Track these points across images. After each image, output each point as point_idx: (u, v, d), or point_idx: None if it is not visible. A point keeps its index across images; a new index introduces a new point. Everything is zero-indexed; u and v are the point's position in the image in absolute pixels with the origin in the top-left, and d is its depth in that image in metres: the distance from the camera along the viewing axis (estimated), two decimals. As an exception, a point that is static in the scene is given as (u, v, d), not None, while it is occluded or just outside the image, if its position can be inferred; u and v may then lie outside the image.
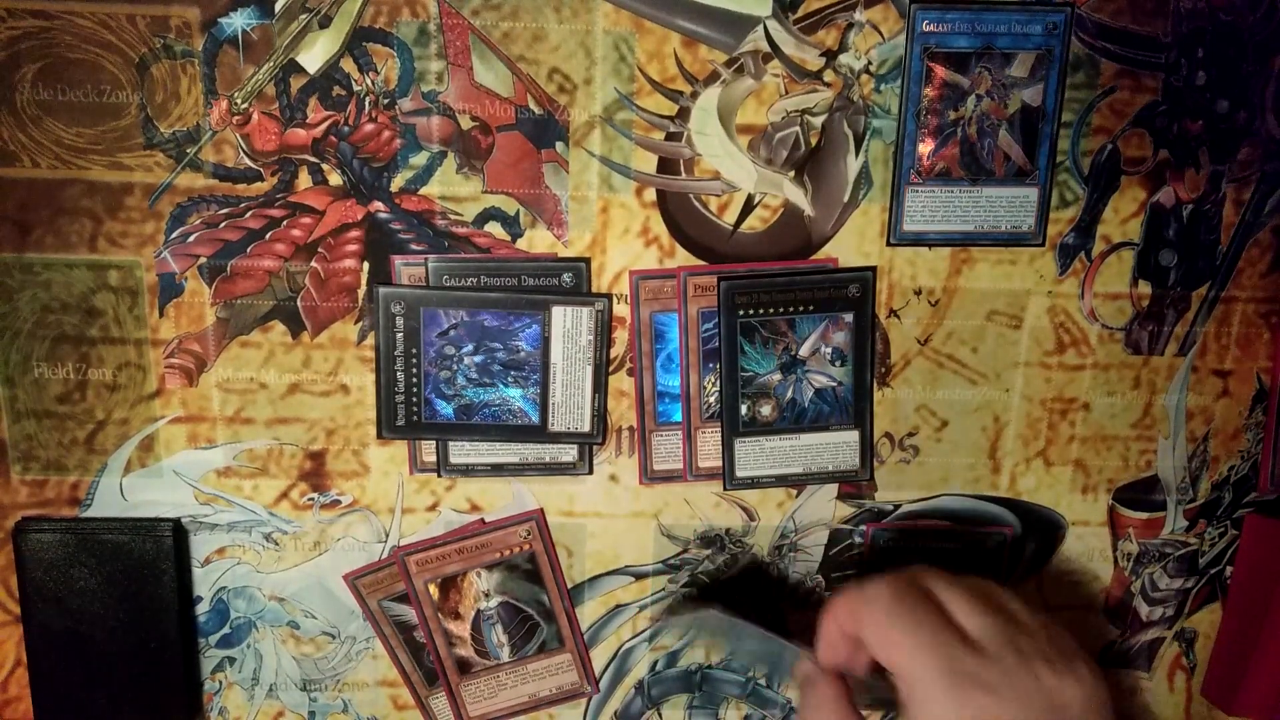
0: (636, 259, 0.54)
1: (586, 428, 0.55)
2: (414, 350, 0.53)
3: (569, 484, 0.57)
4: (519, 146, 0.52)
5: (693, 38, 0.51)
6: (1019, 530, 0.60)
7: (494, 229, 0.53)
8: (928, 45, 0.51)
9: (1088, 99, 0.53)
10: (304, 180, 0.52)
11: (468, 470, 0.56)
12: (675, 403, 0.56)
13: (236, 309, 0.53)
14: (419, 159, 0.52)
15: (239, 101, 0.50)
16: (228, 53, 0.50)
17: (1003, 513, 0.60)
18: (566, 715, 0.62)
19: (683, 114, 0.52)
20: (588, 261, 0.54)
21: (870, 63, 0.52)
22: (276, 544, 0.57)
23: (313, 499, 0.56)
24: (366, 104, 0.51)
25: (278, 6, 0.49)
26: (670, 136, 0.52)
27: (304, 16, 0.49)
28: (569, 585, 0.59)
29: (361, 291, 0.53)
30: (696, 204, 0.54)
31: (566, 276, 0.54)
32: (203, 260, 0.52)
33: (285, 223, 0.52)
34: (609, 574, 0.59)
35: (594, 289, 0.54)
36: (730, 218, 0.54)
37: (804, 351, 0.55)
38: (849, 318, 0.55)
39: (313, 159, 0.51)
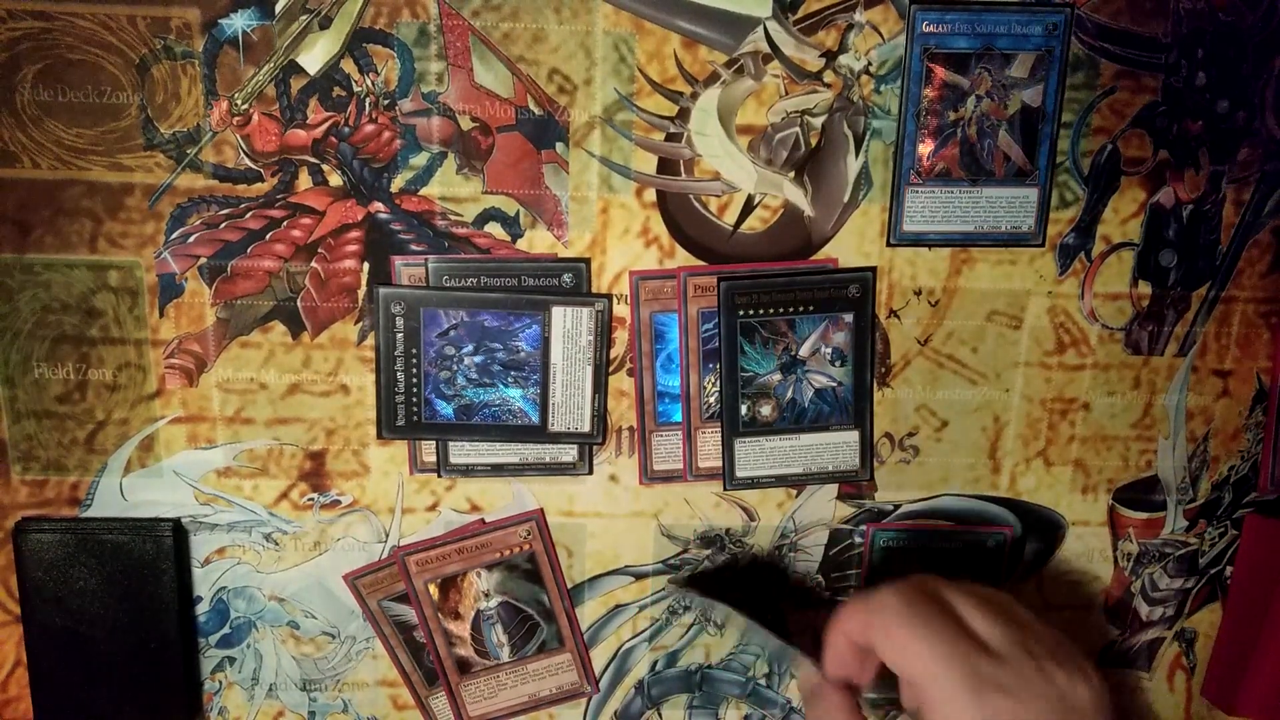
0: (636, 259, 0.54)
1: (586, 428, 0.55)
2: (414, 350, 0.53)
3: (569, 484, 0.57)
4: (519, 147, 0.52)
5: (693, 38, 0.51)
6: (1019, 530, 0.60)
7: (494, 229, 0.53)
8: (927, 46, 0.51)
9: (1088, 99, 0.53)
10: (304, 181, 0.52)
11: (468, 470, 0.56)
12: (675, 403, 0.56)
13: (236, 309, 0.53)
14: (419, 159, 0.52)
15: (239, 102, 0.50)
16: (228, 54, 0.50)
17: (1003, 513, 0.60)
18: (566, 715, 0.62)
19: (683, 114, 0.52)
20: (588, 262, 0.54)
21: (870, 63, 0.52)
22: (276, 544, 0.57)
23: (313, 499, 0.57)
24: (367, 105, 0.51)
25: (278, 7, 0.49)
26: (670, 137, 0.52)
27: (304, 17, 0.49)
28: (569, 585, 0.59)
29: (361, 292, 0.53)
30: (696, 204, 0.54)
31: (566, 277, 0.54)
32: (203, 261, 0.52)
33: (285, 223, 0.52)
34: (609, 574, 0.59)
35: (594, 289, 0.54)
36: (730, 218, 0.54)
37: (804, 351, 0.55)
38: (849, 318, 0.55)
39: (313, 160, 0.51)
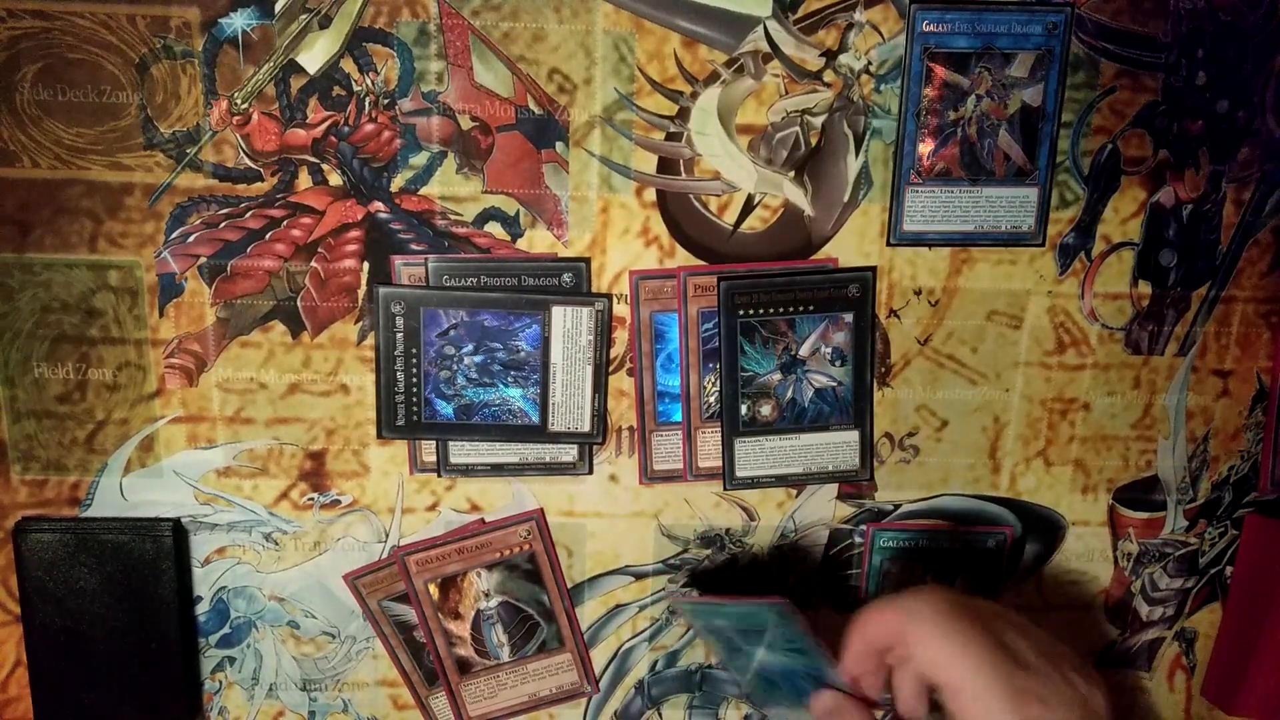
0: (636, 259, 0.54)
1: (586, 428, 0.55)
2: (414, 350, 0.53)
3: (569, 484, 0.57)
4: (519, 146, 0.52)
5: (693, 38, 0.51)
6: (1019, 530, 0.60)
7: (494, 229, 0.53)
8: (928, 45, 0.51)
9: (1088, 99, 0.53)
10: (304, 180, 0.52)
11: (468, 470, 0.56)
12: (675, 403, 0.56)
13: (236, 309, 0.53)
14: (419, 159, 0.52)
15: (239, 102, 0.50)
16: (228, 53, 0.50)
17: (1003, 513, 0.60)
18: (566, 715, 0.62)
19: (683, 114, 0.52)
20: (588, 261, 0.54)
21: (870, 63, 0.52)
22: (276, 544, 0.57)
23: (313, 499, 0.56)
24: (366, 104, 0.51)
25: (278, 7, 0.49)
26: (670, 136, 0.52)
27: (304, 17, 0.49)
28: (569, 585, 0.59)
29: (361, 291, 0.53)
30: (696, 204, 0.54)
31: (566, 276, 0.54)
32: (203, 260, 0.52)
33: (285, 223, 0.52)
34: (609, 574, 0.59)
35: (594, 289, 0.54)
36: (730, 218, 0.54)
37: (804, 351, 0.55)
38: (849, 318, 0.55)
39: (313, 159, 0.51)
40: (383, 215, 0.52)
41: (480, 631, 0.59)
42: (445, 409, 0.54)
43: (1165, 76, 0.53)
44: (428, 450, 0.56)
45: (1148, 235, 0.56)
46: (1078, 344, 0.57)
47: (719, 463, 0.57)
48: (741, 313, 0.54)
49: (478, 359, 0.54)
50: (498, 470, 0.56)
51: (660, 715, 0.62)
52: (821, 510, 0.59)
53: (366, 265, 0.53)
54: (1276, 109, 0.54)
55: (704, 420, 0.57)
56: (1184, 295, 0.57)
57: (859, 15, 0.51)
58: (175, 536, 0.55)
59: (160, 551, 0.55)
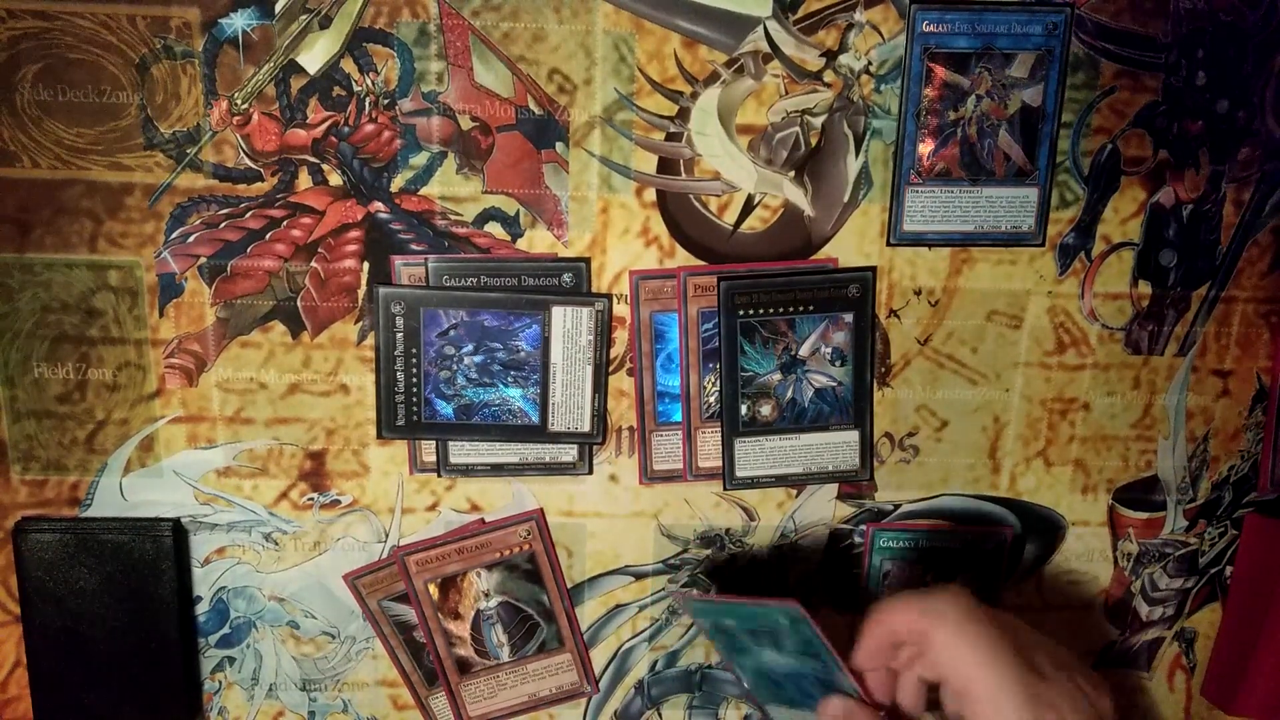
0: (636, 259, 0.54)
1: (586, 428, 0.55)
2: (414, 350, 0.53)
3: (569, 484, 0.57)
4: (519, 147, 0.52)
5: (693, 38, 0.51)
6: (1019, 530, 0.60)
7: (494, 229, 0.53)
8: (928, 45, 0.51)
9: (1088, 99, 0.53)
10: (304, 180, 0.52)
11: (468, 470, 0.56)
12: (675, 403, 0.56)
13: (236, 309, 0.53)
14: (419, 159, 0.52)
15: (239, 102, 0.50)
16: (228, 53, 0.50)
17: (1003, 513, 0.60)
18: (566, 715, 0.62)
19: (683, 114, 0.52)
20: (588, 261, 0.54)
21: (870, 63, 0.52)
22: (276, 544, 0.57)
23: (313, 499, 0.57)
24: (366, 104, 0.51)
25: (278, 7, 0.49)
26: (670, 137, 0.52)
27: (304, 17, 0.49)
28: (569, 585, 0.59)
29: (361, 291, 0.53)
30: (696, 204, 0.54)
31: (566, 276, 0.54)
32: (203, 260, 0.52)
33: (285, 223, 0.52)
34: (609, 574, 0.59)
35: (594, 289, 0.54)
36: (730, 218, 0.54)
37: (804, 351, 0.55)
38: (849, 318, 0.55)
39: (313, 159, 0.51)
40: (383, 215, 0.52)
41: (480, 631, 0.59)
42: (445, 409, 0.54)
43: (1165, 76, 0.53)
44: (428, 450, 0.56)
45: (1148, 235, 0.56)
46: (1078, 344, 0.57)
47: (719, 463, 0.57)
48: (741, 313, 0.54)
49: (478, 359, 0.54)
50: (498, 470, 0.56)
51: (660, 715, 0.62)
52: (821, 510, 0.59)
53: (366, 265, 0.53)
54: (1276, 109, 0.54)
55: (704, 420, 0.57)
56: (1184, 295, 0.57)
57: (859, 15, 0.51)
58: (175, 536, 0.55)
59: (160, 551, 0.55)
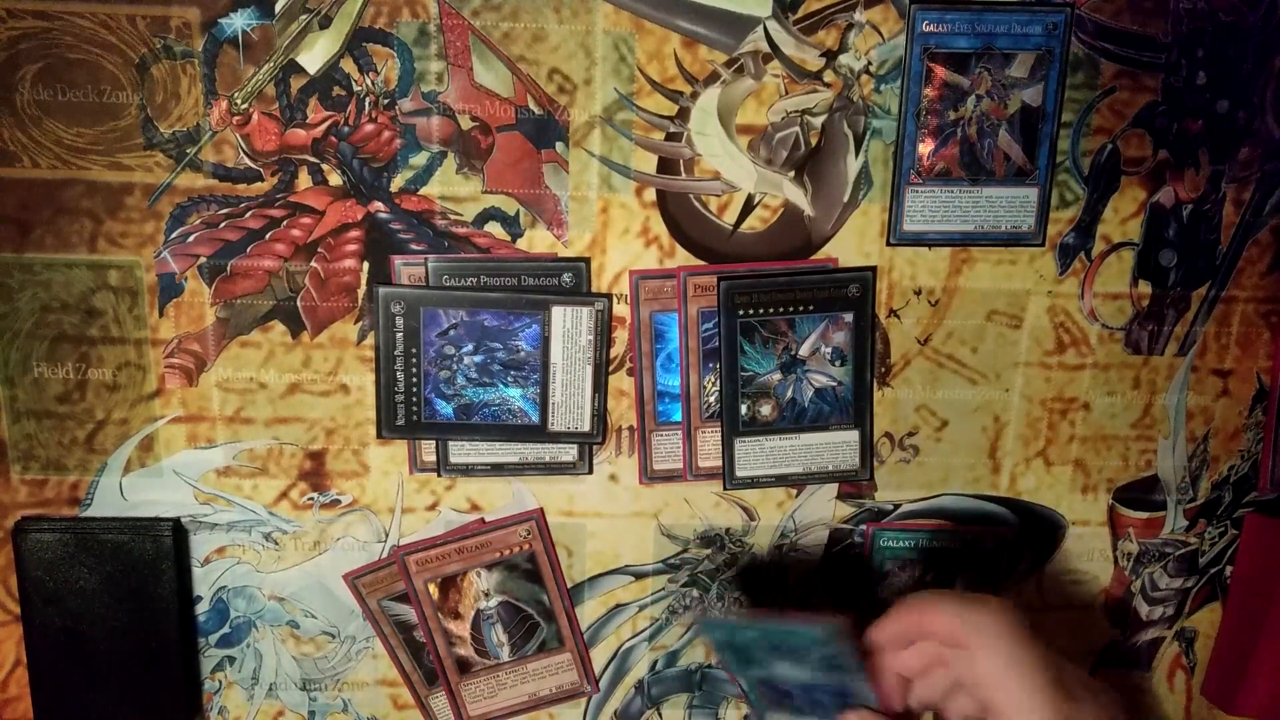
0: (636, 259, 0.54)
1: (586, 427, 0.55)
2: (414, 350, 0.53)
3: (569, 484, 0.57)
4: (519, 146, 0.52)
5: (693, 38, 0.51)
6: (1019, 530, 0.60)
7: (494, 229, 0.53)
8: (928, 45, 0.51)
9: (1087, 99, 0.53)
10: (304, 180, 0.52)
11: (468, 470, 0.56)
12: (675, 403, 0.56)
13: (236, 309, 0.53)
14: (419, 159, 0.52)
15: (239, 102, 0.50)
16: (228, 53, 0.50)
17: (1003, 513, 0.60)
18: (566, 715, 0.62)
19: (683, 114, 0.52)
20: (588, 261, 0.54)
21: (870, 63, 0.52)
22: (276, 544, 0.57)
23: (313, 499, 0.57)
24: (366, 104, 0.51)
25: (278, 7, 0.49)
26: (670, 136, 0.52)
27: (304, 17, 0.49)
28: (569, 585, 0.59)
29: (361, 291, 0.53)
30: (696, 204, 0.54)
31: (566, 276, 0.54)
32: (203, 260, 0.52)
33: (285, 223, 0.52)
34: (609, 573, 0.59)
35: (594, 289, 0.54)
36: (730, 218, 0.54)
37: (804, 351, 0.55)
38: (849, 318, 0.55)
39: (313, 159, 0.51)
40: (383, 215, 0.52)
41: (480, 631, 0.59)
42: (445, 409, 0.54)
43: (1165, 76, 0.53)
44: (428, 450, 0.56)
45: (1148, 235, 0.56)
46: (1078, 344, 0.57)
47: (719, 462, 0.57)
48: (741, 313, 0.54)
49: (478, 359, 0.54)
50: (498, 470, 0.56)
51: (660, 715, 0.62)
52: (821, 510, 0.59)
53: (366, 265, 0.53)
54: (1276, 109, 0.54)
55: (704, 420, 0.57)
56: (1184, 295, 0.57)
57: (859, 15, 0.51)
58: (175, 536, 0.55)
59: (160, 551, 0.55)
